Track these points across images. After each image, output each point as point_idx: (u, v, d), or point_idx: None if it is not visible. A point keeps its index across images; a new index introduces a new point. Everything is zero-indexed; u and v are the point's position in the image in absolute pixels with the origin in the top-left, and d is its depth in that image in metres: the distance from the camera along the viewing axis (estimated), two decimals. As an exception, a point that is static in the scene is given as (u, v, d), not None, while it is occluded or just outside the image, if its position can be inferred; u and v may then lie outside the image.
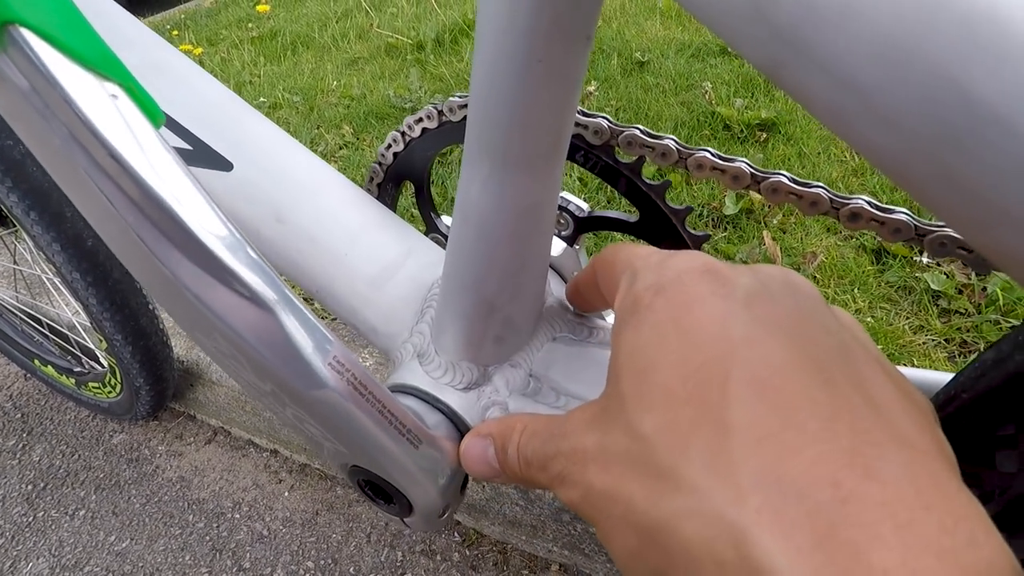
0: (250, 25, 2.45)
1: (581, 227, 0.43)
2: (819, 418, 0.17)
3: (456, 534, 0.89)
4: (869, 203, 0.32)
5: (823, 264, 0.95)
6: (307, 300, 0.87)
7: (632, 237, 0.41)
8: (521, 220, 0.32)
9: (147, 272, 0.26)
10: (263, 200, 0.41)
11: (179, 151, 0.40)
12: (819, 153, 1.20)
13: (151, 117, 0.24)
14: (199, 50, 2.26)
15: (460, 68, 1.75)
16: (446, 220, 0.50)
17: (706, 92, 1.42)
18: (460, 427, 0.38)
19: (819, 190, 0.33)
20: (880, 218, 0.32)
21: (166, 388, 0.96)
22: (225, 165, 0.41)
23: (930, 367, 0.80)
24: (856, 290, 0.91)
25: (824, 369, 0.18)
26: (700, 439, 0.18)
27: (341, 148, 1.54)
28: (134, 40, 0.42)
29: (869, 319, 0.87)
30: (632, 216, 0.41)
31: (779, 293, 0.21)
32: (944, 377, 0.33)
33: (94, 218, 0.25)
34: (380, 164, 0.46)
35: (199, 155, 0.41)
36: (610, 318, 0.49)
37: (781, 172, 0.34)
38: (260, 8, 2.51)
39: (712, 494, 0.17)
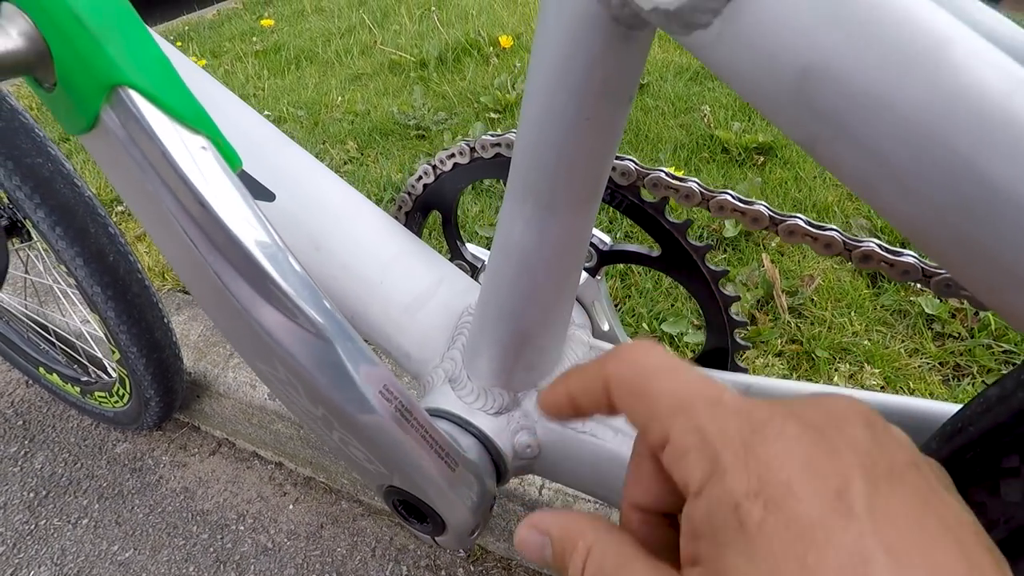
0: (254, 39, 2.47)
1: (604, 260, 0.46)
2: None
3: (461, 550, 0.91)
4: (880, 246, 0.35)
5: (820, 287, 0.98)
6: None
7: (654, 270, 0.43)
8: (559, 256, 0.34)
9: (219, 305, 0.28)
10: (302, 229, 0.44)
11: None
12: (815, 177, 1.23)
13: (231, 163, 0.27)
14: (203, 62, 2.28)
15: (463, 86, 1.78)
16: (471, 248, 0.52)
17: (704, 115, 1.45)
18: (491, 450, 0.40)
19: (833, 233, 0.36)
20: (890, 260, 0.34)
21: (175, 399, 0.97)
22: (268, 196, 0.43)
23: (925, 390, 0.83)
24: (853, 313, 0.94)
25: None
26: None
27: (346, 163, 1.56)
28: (179, 69, 0.44)
29: (866, 342, 0.89)
30: (654, 251, 0.44)
31: (892, 493, 0.19)
32: (946, 407, 0.36)
33: (173, 256, 0.27)
34: (410, 194, 0.48)
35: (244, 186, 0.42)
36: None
37: (798, 216, 0.37)
38: (264, 22, 2.54)
39: None
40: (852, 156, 0.21)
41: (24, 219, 0.72)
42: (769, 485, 0.18)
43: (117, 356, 0.87)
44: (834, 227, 0.36)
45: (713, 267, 0.42)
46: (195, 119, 0.25)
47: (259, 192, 0.43)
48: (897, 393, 0.83)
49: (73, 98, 0.23)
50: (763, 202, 0.38)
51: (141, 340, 0.81)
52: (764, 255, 1.04)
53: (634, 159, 0.39)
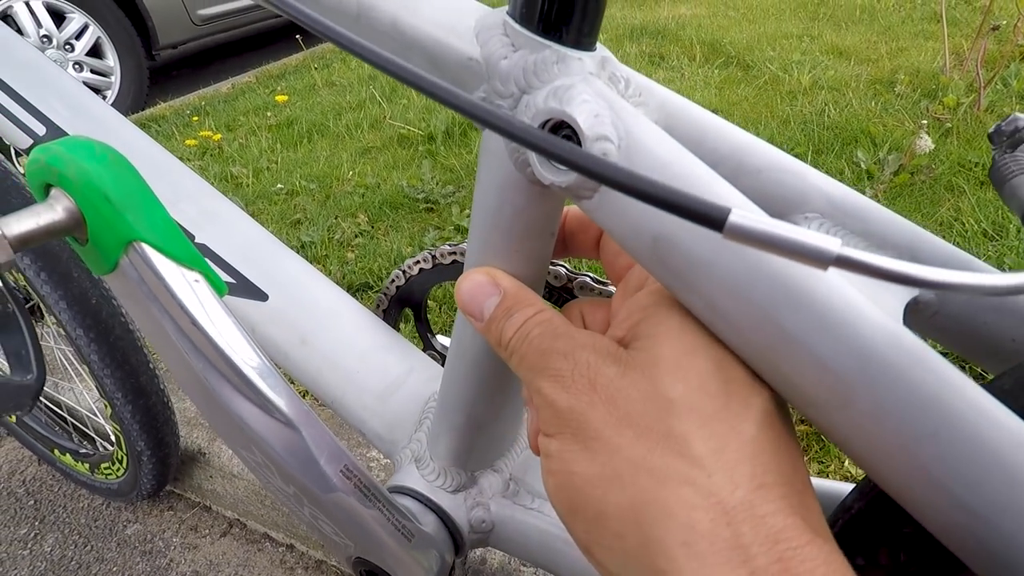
0: (268, 113, 2.66)
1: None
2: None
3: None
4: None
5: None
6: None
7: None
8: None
9: (208, 404, 0.37)
10: (291, 326, 0.52)
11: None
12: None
13: (217, 290, 0.35)
14: (218, 136, 2.46)
15: (470, 160, 1.91)
16: (441, 339, 0.61)
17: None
18: (449, 525, 0.47)
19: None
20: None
21: (169, 455, 1.00)
22: (261, 296, 0.52)
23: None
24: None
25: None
26: (719, 431, 0.24)
27: (357, 236, 1.66)
28: (192, 193, 0.55)
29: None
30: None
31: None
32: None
33: (174, 366, 0.36)
34: (385, 295, 0.57)
35: (241, 288, 0.52)
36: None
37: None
38: (279, 98, 2.74)
39: (714, 476, 0.23)
40: (698, 304, 0.28)
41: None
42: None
43: (109, 411, 0.92)
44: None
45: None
46: (190, 259, 0.34)
47: (254, 293, 0.52)
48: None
49: (100, 250, 0.32)
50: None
51: (126, 385, 0.86)
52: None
53: (565, 265, 0.47)
